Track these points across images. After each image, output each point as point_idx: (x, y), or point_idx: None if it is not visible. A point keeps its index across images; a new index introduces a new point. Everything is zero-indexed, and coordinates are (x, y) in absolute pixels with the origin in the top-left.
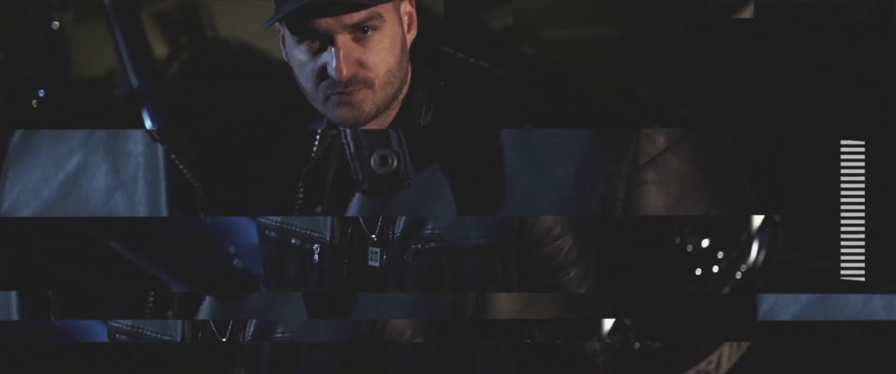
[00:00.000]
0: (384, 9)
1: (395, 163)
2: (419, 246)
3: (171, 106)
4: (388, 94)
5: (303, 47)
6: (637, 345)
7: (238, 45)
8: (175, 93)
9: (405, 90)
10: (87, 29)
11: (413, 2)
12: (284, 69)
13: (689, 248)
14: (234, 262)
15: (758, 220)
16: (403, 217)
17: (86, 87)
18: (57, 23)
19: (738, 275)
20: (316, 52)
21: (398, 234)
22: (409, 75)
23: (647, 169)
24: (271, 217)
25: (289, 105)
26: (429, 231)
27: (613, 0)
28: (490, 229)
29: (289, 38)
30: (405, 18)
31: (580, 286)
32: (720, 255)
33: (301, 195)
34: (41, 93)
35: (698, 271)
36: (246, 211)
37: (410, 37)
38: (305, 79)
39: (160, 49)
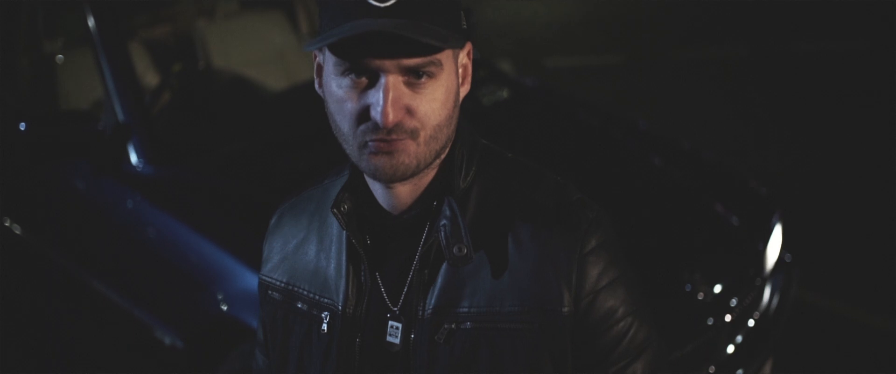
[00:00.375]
0: (444, 56)
1: (465, 251)
2: (453, 326)
3: (157, 141)
4: (432, 150)
5: (346, 82)
6: None
7: (231, 77)
8: (162, 127)
9: (448, 150)
10: (77, 59)
11: (471, 53)
12: (278, 104)
13: (701, 296)
14: (222, 307)
15: (771, 262)
16: (436, 291)
17: (70, 120)
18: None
19: (751, 322)
20: (360, 90)
21: (430, 309)
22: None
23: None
24: (275, 275)
25: (282, 141)
26: (465, 309)
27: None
28: (537, 310)
29: (330, 68)
30: (461, 71)
31: None
32: (733, 302)
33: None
34: (22, 126)
35: (710, 321)
36: None
37: (463, 91)
38: (342, 117)
39: (151, 78)
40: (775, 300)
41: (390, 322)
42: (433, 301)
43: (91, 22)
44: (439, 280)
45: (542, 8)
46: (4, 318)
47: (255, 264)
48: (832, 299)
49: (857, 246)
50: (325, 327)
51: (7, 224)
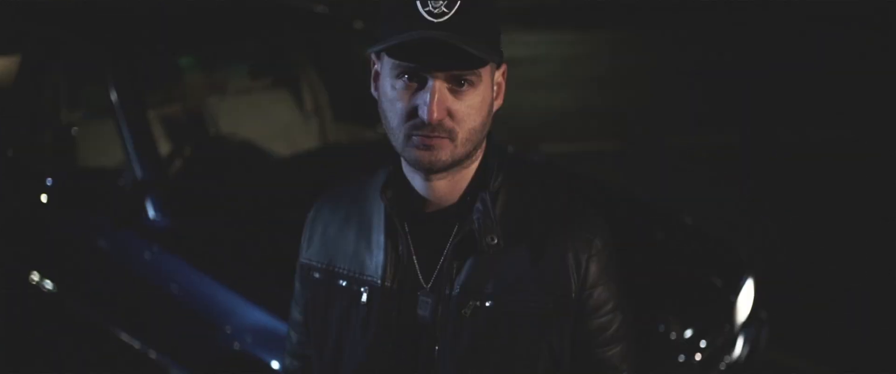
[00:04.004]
0: (484, 70)
1: (496, 240)
2: (477, 303)
3: (173, 197)
4: (466, 150)
5: (399, 84)
6: None
7: (239, 142)
8: (177, 185)
9: (481, 155)
10: (94, 127)
11: (505, 74)
12: (282, 167)
13: (673, 336)
14: (234, 345)
15: (743, 314)
16: (465, 272)
17: (92, 176)
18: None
19: (722, 366)
20: (411, 92)
21: (457, 289)
22: (485, 142)
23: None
24: (316, 258)
25: (285, 199)
26: (489, 291)
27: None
28: (549, 295)
29: (386, 71)
30: (496, 88)
31: (622, 362)
32: (703, 344)
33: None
34: (49, 182)
35: (681, 358)
36: None
37: (496, 104)
38: (393, 114)
39: (164, 147)
40: (746, 350)
41: (422, 297)
42: (460, 282)
43: (113, 92)
44: (467, 265)
45: (540, 100)
46: (29, 361)
47: (262, 302)
48: (809, 360)
49: (832, 310)
50: (364, 299)
51: (35, 278)
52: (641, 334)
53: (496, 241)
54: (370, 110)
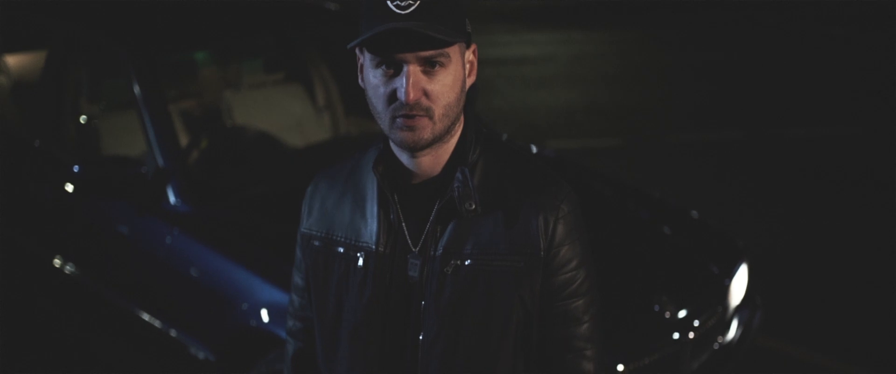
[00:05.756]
0: (452, 50)
1: (473, 206)
2: (458, 262)
3: (193, 184)
4: (444, 126)
5: (378, 73)
6: None
7: (255, 133)
8: (197, 172)
9: (460, 129)
10: (114, 118)
11: (476, 52)
12: (296, 157)
13: (668, 315)
14: (250, 322)
15: (737, 298)
16: (446, 236)
17: (116, 163)
18: (85, 116)
19: (716, 346)
20: (389, 78)
21: (440, 250)
22: (463, 117)
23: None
24: (316, 228)
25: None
26: (468, 250)
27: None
28: (521, 255)
29: (367, 63)
30: (467, 65)
31: (584, 314)
32: (696, 323)
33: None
34: (76, 168)
35: (676, 335)
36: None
37: (469, 81)
38: (377, 100)
39: (183, 138)
40: (739, 332)
41: (411, 260)
42: (443, 244)
43: (136, 85)
44: (448, 229)
45: (547, 97)
46: (52, 344)
47: (276, 281)
48: (804, 347)
49: (830, 300)
50: (361, 263)
51: (58, 261)
52: (638, 312)
53: (474, 207)
54: None
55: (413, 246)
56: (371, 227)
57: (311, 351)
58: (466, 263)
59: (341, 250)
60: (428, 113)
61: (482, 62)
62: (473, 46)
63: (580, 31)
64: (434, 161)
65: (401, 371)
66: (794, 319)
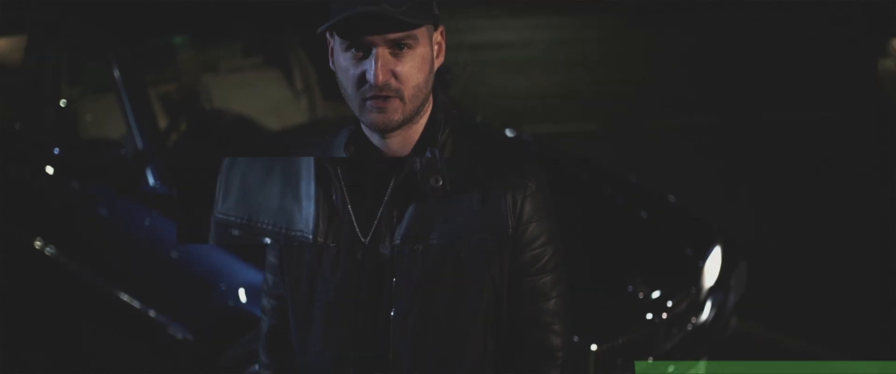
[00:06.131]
0: (419, 32)
1: (441, 183)
2: (420, 247)
3: (172, 166)
4: (414, 107)
5: (348, 56)
6: None
7: (233, 116)
8: (175, 155)
9: (429, 110)
10: (93, 102)
11: (443, 34)
12: (273, 139)
13: (641, 296)
14: (227, 302)
15: (710, 280)
16: (406, 221)
17: (96, 146)
18: (64, 100)
19: (689, 327)
20: (359, 61)
21: (398, 240)
22: (432, 99)
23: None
24: (234, 213)
25: None
26: (435, 234)
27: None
28: (491, 234)
29: (337, 47)
30: (436, 47)
31: (552, 290)
32: (669, 304)
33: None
34: (56, 151)
35: (649, 316)
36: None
37: (438, 62)
38: (347, 83)
39: (162, 121)
40: (713, 313)
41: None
42: (401, 233)
43: (116, 69)
44: (408, 214)
45: (525, 82)
46: (31, 325)
47: (254, 262)
48: (782, 332)
49: (805, 283)
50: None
51: (38, 243)
52: (612, 294)
53: (441, 183)
54: None
55: (362, 235)
56: (307, 211)
57: (286, 329)
58: (435, 243)
59: (267, 240)
60: (397, 94)
61: (460, 46)
62: (441, 28)
63: (558, 17)
64: (403, 142)
65: (373, 349)
66: (770, 302)
